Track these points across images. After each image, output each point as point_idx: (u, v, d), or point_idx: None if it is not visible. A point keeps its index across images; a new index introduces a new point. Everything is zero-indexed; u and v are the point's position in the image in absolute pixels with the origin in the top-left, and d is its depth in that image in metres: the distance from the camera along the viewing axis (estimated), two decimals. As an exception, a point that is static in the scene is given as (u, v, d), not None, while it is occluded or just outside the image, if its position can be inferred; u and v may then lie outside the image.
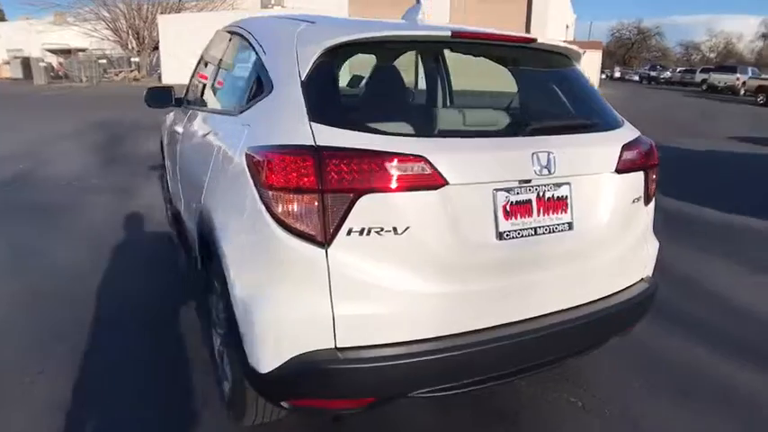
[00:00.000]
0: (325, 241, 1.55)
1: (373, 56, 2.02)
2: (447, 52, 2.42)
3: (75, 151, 8.26)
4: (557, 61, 2.13)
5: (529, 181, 1.76)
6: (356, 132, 1.59)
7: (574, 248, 1.91)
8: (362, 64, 2.71)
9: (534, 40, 1.98)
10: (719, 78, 29.52)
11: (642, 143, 2.11)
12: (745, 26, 66.91)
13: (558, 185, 1.83)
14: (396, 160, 1.56)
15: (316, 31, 1.90)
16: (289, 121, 1.66)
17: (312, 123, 1.60)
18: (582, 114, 2.04)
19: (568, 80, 2.13)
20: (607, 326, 2.05)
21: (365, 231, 1.56)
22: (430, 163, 1.59)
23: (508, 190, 1.73)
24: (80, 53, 29.95)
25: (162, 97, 3.70)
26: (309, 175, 1.53)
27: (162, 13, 29.32)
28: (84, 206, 5.26)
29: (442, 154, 1.61)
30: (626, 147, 2.01)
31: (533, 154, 1.76)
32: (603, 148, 1.97)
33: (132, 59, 29.93)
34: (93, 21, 30.39)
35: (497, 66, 2.12)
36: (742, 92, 27.01)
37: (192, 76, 3.73)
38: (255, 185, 1.63)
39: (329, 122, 1.60)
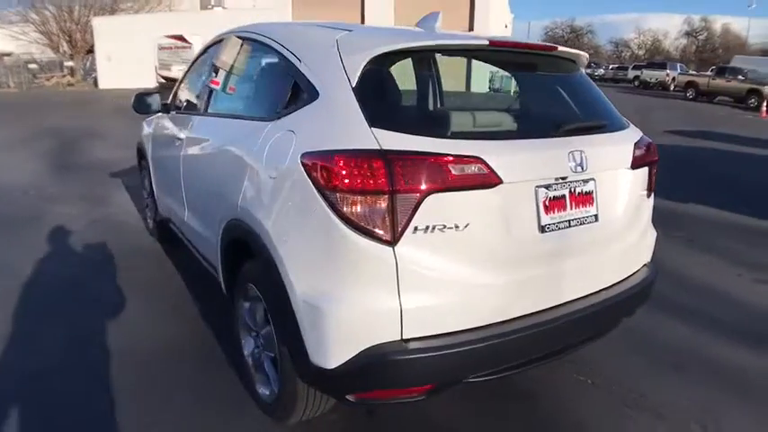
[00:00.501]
0: (393, 239, 1.64)
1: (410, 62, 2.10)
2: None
3: (24, 160, 7.86)
4: (568, 67, 2.30)
5: (565, 178, 1.92)
6: (415, 136, 1.69)
7: (598, 238, 2.08)
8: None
9: (556, 48, 2.14)
10: (651, 75, 31.16)
11: (646, 141, 2.32)
12: (669, 24, 71.27)
13: (586, 181, 2.00)
14: (456, 161, 1.67)
15: (358, 38, 1.98)
16: (347, 127, 1.73)
17: (373, 129, 1.68)
18: (598, 115, 2.22)
19: (580, 84, 2.30)
20: (622, 308, 2.23)
21: (429, 229, 1.66)
22: (486, 163, 1.71)
23: (547, 186, 1.88)
24: (5, 57, 28.21)
25: (150, 103, 3.66)
26: (379, 177, 1.61)
27: (96, 15, 28.04)
28: (46, 216, 5.05)
29: (494, 155, 1.73)
30: (636, 145, 2.22)
31: (569, 153, 1.93)
32: (620, 146, 2.16)
33: (65, 63, 28.48)
34: (20, 24, 28.68)
35: (457, 68, 2.27)
36: (672, 87, 28.68)
37: (181, 82, 3.70)
38: (319, 189, 1.69)
39: (388, 127, 1.69)
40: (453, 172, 1.67)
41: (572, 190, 1.96)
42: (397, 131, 1.69)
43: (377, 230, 1.63)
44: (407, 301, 1.67)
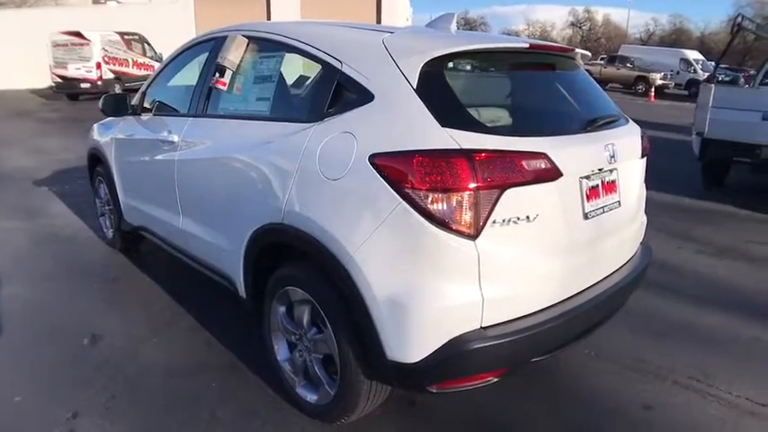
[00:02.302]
0: (475, 233, 1.72)
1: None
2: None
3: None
4: (574, 65, 2.49)
5: (601, 169, 2.11)
6: (485, 135, 1.78)
7: (620, 221, 2.30)
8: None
9: (573, 50, 2.33)
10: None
11: (644, 133, 2.58)
12: (556, 15, 76.45)
13: (611, 171, 2.20)
14: (527, 157, 1.79)
15: (405, 41, 2.03)
16: (419, 128, 1.79)
17: (445, 129, 1.76)
18: (611, 110, 2.43)
19: (587, 81, 2.50)
20: (635, 282, 2.48)
21: (506, 221, 1.76)
22: (549, 158, 1.84)
23: (587, 177, 2.05)
24: None
25: (119, 105, 3.45)
26: (462, 175, 1.69)
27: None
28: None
29: (554, 150, 1.87)
30: (641, 137, 2.47)
31: (605, 146, 2.12)
32: (634, 137, 2.39)
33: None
34: None
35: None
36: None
37: (152, 83, 3.50)
38: (398, 189, 1.74)
39: (459, 127, 1.77)
40: (525, 167, 1.78)
41: (603, 179, 2.15)
42: (467, 131, 1.77)
43: (460, 226, 1.71)
44: (487, 290, 1.77)
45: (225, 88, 2.60)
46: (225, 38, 2.70)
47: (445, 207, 1.71)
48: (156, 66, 18.90)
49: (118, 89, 16.78)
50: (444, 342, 1.76)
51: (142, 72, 18.65)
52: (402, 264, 1.77)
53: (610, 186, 2.20)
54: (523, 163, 1.78)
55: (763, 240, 4.86)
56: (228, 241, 2.53)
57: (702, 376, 2.69)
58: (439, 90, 1.88)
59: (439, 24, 2.40)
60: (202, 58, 2.98)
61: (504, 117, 2.03)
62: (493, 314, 1.80)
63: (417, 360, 1.78)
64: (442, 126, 1.77)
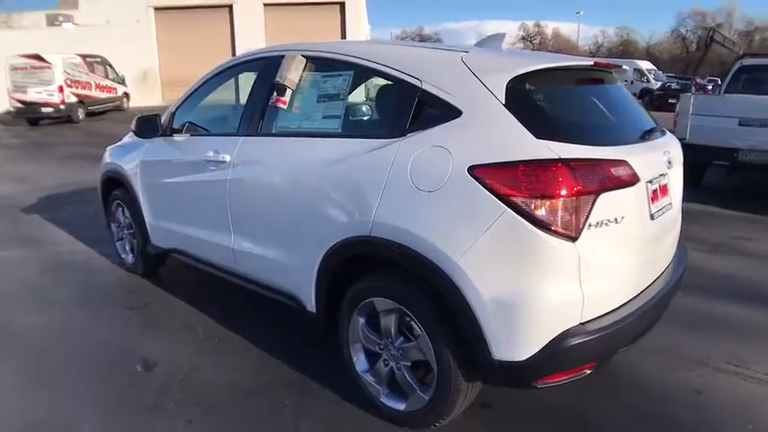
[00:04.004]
0: (576, 235, 1.86)
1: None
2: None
3: None
4: (614, 79, 2.68)
5: (662, 174, 2.29)
6: (575, 145, 1.92)
7: (672, 220, 2.48)
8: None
9: (621, 66, 2.52)
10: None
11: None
12: (506, 30, 78.21)
13: (664, 175, 2.38)
14: (613, 165, 1.94)
15: (485, 60, 2.17)
16: (515, 140, 1.91)
17: (541, 141, 1.89)
18: (652, 121, 2.63)
19: (627, 93, 2.69)
20: (681, 279, 2.65)
21: (599, 224, 1.90)
22: (629, 165, 2.00)
23: (651, 181, 2.22)
24: None
25: (153, 126, 3.45)
26: (563, 182, 1.82)
27: None
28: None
29: (632, 157, 2.03)
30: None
31: (663, 152, 2.30)
32: (677, 145, 2.58)
33: None
34: None
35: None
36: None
37: (184, 103, 3.50)
38: (502, 197, 1.85)
39: (552, 138, 1.90)
40: (613, 174, 1.93)
41: (661, 183, 2.33)
42: (559, 141, 1.91)
43: (563, 229, 1.84)
44: (585, 288, 1.90)
45: (285, 107, 2.66)
46: (279, 57, 2.76)
47: (549, 212, 1.83)
48: (119, 90, 18.76)
49: (81, 113, 16.39)
50: (551, 339, 1.88)
51: (105, 95, 18.28)
52: (509, 267, 1.88)
53: (664, 189, 2.38)
54: (611, 170, 1.93)
55: (750, 237, 5.20)
56: (296, 257, 2.57)
57: (738, 361, 2.90)
58: (526, 105, 2.01)
59: (490, 43, 2.55)
60: (245, 77, 3.03)
61: (582, 128, 2.18)
62: (590, 310, 1.94)
63: (526, 358, 1.89)
64: (537, 138, 1.90)
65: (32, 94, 15.40)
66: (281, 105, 2.65)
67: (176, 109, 3.52)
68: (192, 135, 3.32)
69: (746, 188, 7.27)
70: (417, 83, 2.20)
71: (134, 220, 3.92)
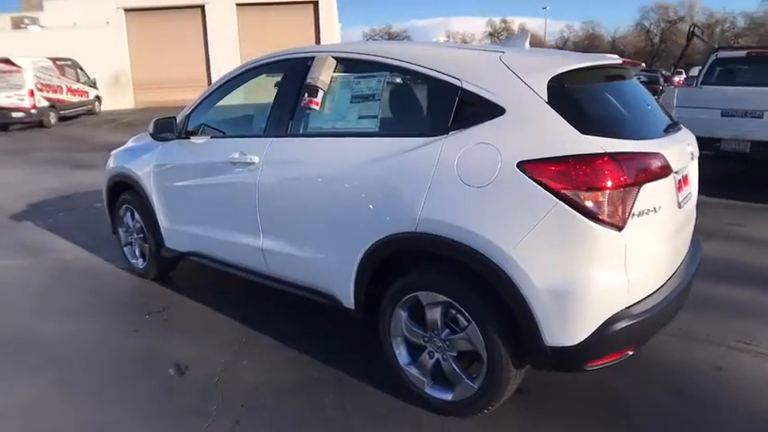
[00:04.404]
0: (622, 224, 1.96)
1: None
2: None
3: None
4: (632, 75, 2.80)
5: (686, 166, 2.41)
6: (617, 139, 2.03)
7: (692, 209, 2.62)
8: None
9: (640, 64, 2.64)
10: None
11: None
12: (474, 26, 79.19)
13: (686, 167, 2.51)
14: (652, 157, 2.07)
15: (522, 59, 2.26)
16: (562, 136, 2.00)
17: (586, 136, 1.99)
18: (669, 116, 2.76)
19: (643, 89, 2.82)
20: (699, 267, 2.79)
21: (641, 213, 2.02)
22: (664, 157, 2.12)
23: (677, 172, 2.34)
24: None
25: (171, 129, 3.43)
26: (611, 175, 1.92)
27: None
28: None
29: (665, 150, 2.16)
30: None
31: (686, 145, 2.43)
32: (694, 138, 2.72)
33: None
34: None
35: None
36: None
37: (199, 106, 3.49)
38: (553, 190, 1.94)
39: (596, 133, 2.01)
40: (652, 166, 2.05)
41: (683, 174, 2.46)
42: (603, 136, 2.01)
43: (611, 219, 1.94)
44: (630, 274, 2.02)
45: (318, 108, 2.69)
46: (307, 59, 2.80)
47: (598, 204, 1.93)
48: (91, 93, 18.30)
49: (53, 118, 15.97)
50: (600, 323, 1.98)
51: (77, 98, 17.85)
52: (561, 257, 1.97)
53: (686, 180, 2.51)
54: (651, 162, 2.05)
55: (742, 223, 5.44)
56: (334, 255, 2.62)
57: (748, 340, 3.07)
58: (567, 102, 2.11)
59: (515, 42, 2.64)
60: (267, 79, 3.05)
61: (618, 123, 2.29)
62: (633, 295, 2.05)
63: (577, 342, 1.99)
64: (582, 133, 1.99)
65: (2, 99, 14.91)
66: (314, 106, 2.69)
67: (192, 111, 3.50)
68: (212, 137, 3.32)
69: (729, 177, 7.58)
70: (458, 82, 2.27)
71: (146, 224, 3.90)
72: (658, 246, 2.17)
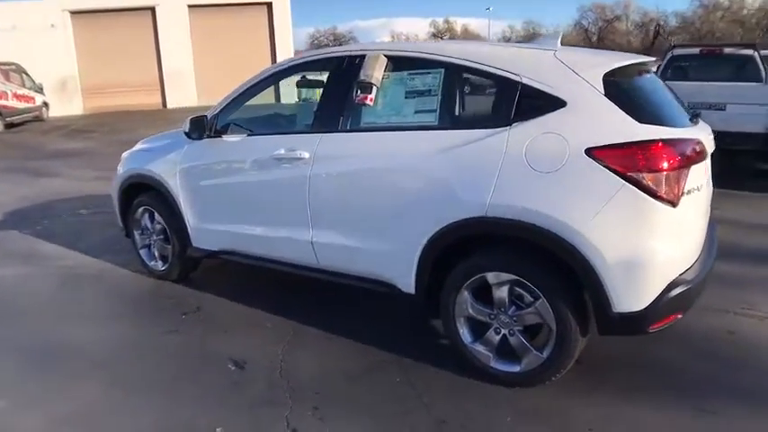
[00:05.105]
0: (677, 201, 2.23)
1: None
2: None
3: None
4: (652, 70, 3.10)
5: (710, 152, 2.71)
6: (666, 127, 2.31)
7: (708, 193, 2.92)
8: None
9: (655, 60, 2.94)
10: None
11: None
12: (417, 27, 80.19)
13: (709, 153, 2.81)
14: (694, 143, 2.36)
15: (575, 57, 2.52)
16: (623, 125, 2.26)
17: (643, 125, 2.25)
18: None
19: (662, 82, 3.12)
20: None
21: (689, 191, 2.30)
22: (702, 143, 2.41)
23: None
24: None
25: (204, 127, 3.46)
26: (668, 158, 2.21)
27: None
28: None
29: (700, 136, 2.46)
30: None
31: (710, 133, 2.73)
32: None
33: None
34: None
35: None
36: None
37: (230, 105, 3.51)
38: (619, 173, 2.19)
39: (650, 122, 2.30)
40: (696, 150, 2.35)
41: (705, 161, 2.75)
42: (656, 125, 2.29)
43: (669, 196, 2.21)
44: (682, 245, 2.30)
45: (371, 104, 2.83)
46: (356, 57, 2.93)
47: (658, 183, 2.20)
48: (38, 99, 17.41)
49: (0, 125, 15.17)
50: (662, 289, 2.24)
51: (23, 105, 17.03)
52: (628, 232, 2.22)
53: (706, 167, 2.81)
54: (695, 147, 2.35)
55: (726, 209, 5.90)
56: (396, 244, 2.75)
57: (750, 306, 3.44)
58: (621, 95, 2.37)
59: (549, 42, 2.86)
60: (311, 77, 3.16)
61: (661, 113, 2.56)
62: (683, 265, 2.33)
63: (643, 307, 2.23)
64: (639, 122, 2.25)
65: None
66: (368, 102, 2.81)
67: (222, 110, 3.53)
68: (249, 135, 3.38)
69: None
70: (517, 78, 2.47)
71: (170, 224, 3.89)
72: (697, 221, 2.47)
